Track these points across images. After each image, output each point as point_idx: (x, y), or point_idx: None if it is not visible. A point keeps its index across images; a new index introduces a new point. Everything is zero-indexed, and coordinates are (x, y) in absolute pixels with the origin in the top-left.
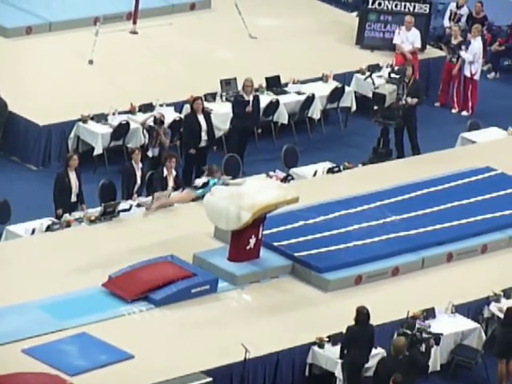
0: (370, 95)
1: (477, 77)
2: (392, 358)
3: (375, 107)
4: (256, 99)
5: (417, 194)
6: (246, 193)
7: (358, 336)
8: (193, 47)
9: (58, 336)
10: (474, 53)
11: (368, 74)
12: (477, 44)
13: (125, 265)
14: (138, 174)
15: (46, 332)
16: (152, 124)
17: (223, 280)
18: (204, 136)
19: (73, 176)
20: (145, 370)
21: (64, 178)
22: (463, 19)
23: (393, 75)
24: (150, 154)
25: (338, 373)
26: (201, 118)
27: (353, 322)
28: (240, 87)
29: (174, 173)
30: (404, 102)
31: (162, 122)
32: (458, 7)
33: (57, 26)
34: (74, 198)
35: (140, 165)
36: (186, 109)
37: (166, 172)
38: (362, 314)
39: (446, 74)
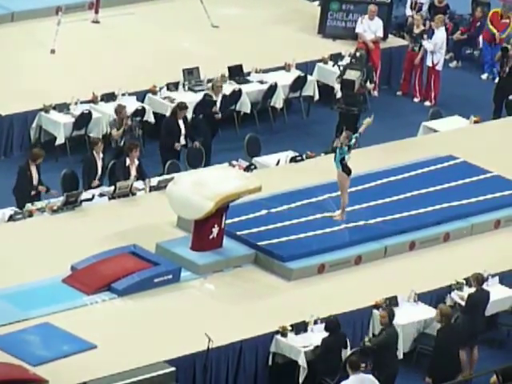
0: (333, 84)
1: (439, 67)
2: (448, 327)
3: (340, 95)
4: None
5: (379, 182)
6: (208, 182)
7: (334, 347)
8: (155, 36)
9: (20, 326)
10: (435, 42)
11: (333, 63)
12: (440, 34)
13: (87, 254)
14: (99, 163)
15: (9, 322)
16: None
17: (186, 269)
18: (182, 141)
19: (34, 169)
20: (107, 359)
21: (26, 171)
22: (425, 8)
23: (353, 60)
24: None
25: (302, 361)
26: (180, 122)
27: (316, 310)
28: (207, 82)
29: (137, 162)
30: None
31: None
32: None
33: (19, 15)
34: (33, 192)
35: (101, 155)
36: (149, 99)
37: (128, 161)
38: (333, 323)
39: (408, 63)
